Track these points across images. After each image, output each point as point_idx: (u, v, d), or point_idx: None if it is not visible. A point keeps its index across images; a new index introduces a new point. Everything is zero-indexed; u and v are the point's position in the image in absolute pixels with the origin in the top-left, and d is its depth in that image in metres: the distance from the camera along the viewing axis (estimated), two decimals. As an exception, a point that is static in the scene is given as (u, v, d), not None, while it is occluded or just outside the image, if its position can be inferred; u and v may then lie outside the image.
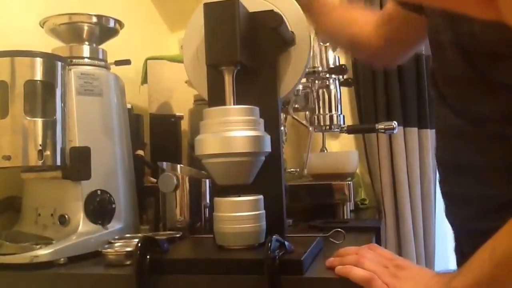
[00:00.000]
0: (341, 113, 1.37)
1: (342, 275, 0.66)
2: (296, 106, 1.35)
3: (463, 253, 0.79)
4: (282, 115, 1.26)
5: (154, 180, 1.14)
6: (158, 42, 1.81)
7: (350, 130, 1.41)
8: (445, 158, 0.78)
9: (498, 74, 0.66)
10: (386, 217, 1.62)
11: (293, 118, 1.36)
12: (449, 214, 0.80)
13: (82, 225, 0.87)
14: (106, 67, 1.00)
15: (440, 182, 0.82)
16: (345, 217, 1.26)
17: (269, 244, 0.64)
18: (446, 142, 0.78)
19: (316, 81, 1.37)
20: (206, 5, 0.75)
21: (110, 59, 1.02)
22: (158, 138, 1.34)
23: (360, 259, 0.67)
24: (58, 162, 0.85)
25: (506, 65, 0.65)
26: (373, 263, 0.67)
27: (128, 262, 0.76)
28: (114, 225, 0.92)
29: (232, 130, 0.71)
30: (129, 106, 1.10)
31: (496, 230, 0.59)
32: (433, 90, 0.80)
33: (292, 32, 0.83)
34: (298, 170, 1.45)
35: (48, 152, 0.83)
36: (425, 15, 0.82)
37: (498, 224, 0.61)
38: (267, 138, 0.75)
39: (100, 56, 0.99)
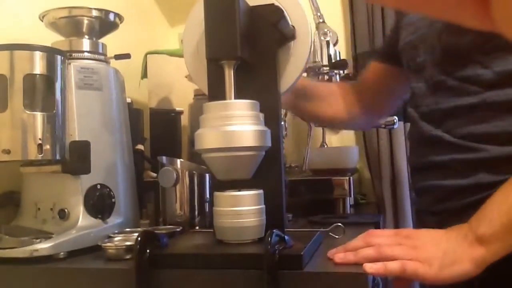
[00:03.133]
0: (341, 108, 1.37)
1: (379, 275, 0.65)
2: (296, 101, 1.34)
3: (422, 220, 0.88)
4: (283, 110, 1.26)
5: (154, 174, 1.14)
6: (158, 36, 1.80)
7: (350, 125, 1.41)
8: (413, 159, 0.92)
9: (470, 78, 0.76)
10: (385, 212, 1.62)
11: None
12: (414, 202, 0.92)
13: (82, 219, 0.87)
14: (106, 61, 0.99)
15: (410, 179, 0.93)
16: (345, 212, 1.26)
17: (269, 239, 0.64)
18: (415, 148, 0.91)
19: (317, 76, 1.36)
20: (206, -1, 0.75)
21: (110, 53, 1.01)
22: (158, 133, 1.34)
23: (379, 249, 0.66)
24: (58, 156, 0.85)
25: (477, 70, 0.75)
26: (391, 247, 0.66)
27: (128, 257, 0.76)
28: (114, 220, 0.92)
29: (232, 125, 0.70)
30: (129, 100, 1.10)
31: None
32: (412, 108, 0.90)
33: (293, 26, 0.83)
34: (298, 165, 1.45)
35: (47, 146, 0.82)
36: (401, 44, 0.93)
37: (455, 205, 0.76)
38: (268, 132, 0.74)
39: (100, 50, 0.99)
